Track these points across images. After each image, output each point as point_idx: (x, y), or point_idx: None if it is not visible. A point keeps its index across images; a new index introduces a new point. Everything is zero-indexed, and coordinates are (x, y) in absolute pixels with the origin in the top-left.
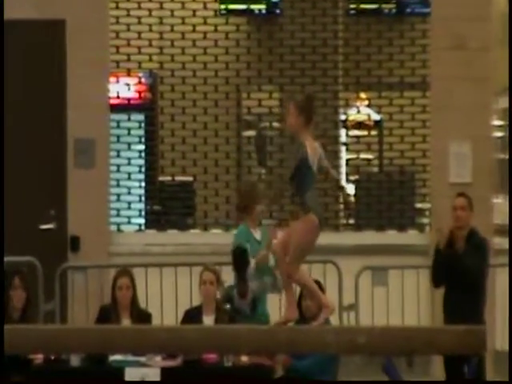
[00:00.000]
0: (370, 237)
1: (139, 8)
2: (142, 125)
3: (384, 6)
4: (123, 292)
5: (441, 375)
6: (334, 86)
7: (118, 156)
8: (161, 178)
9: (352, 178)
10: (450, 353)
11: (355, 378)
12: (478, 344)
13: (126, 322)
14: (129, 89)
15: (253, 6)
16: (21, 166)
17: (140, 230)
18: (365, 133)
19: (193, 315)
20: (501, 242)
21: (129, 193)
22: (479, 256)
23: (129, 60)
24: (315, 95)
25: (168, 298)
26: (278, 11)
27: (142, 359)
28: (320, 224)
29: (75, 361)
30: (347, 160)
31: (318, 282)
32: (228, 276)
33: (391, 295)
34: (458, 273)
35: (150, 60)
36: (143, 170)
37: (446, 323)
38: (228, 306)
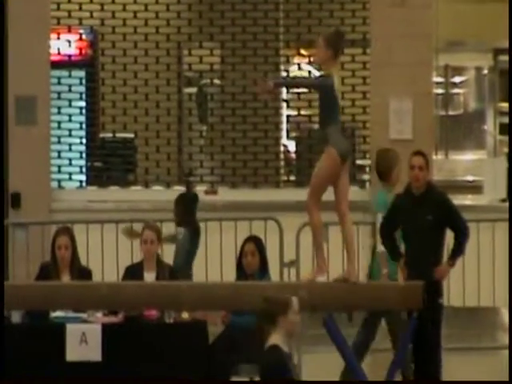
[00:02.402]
0: None
1: None
2: (83, 81)
3: None
4: (62, 251)
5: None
6: (275, 43)
7: (59, 113)
8: (102, 135)
9: (293, 134)
10: (390, 308)
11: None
12: (417, 299)
13: (66, 279)
14: (70, 45)
15: None
16: None
17: (81, 186)
18: (305, 89)
19: (134, 272)
20: None
21: (70, 149)
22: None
23: (70, 16)
24: (345, 32)
25: (109, 254)
26: None
27: (83, 316)
28: (343, 159)
29: (16, 317)
30: (288, 117)
31: (259, 240)
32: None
33: (332, 251)
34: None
35: (91, 16)
36: (84, 126)
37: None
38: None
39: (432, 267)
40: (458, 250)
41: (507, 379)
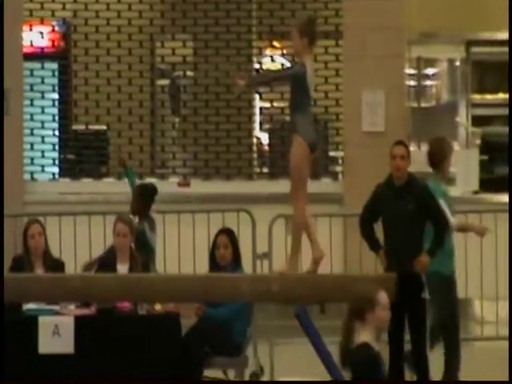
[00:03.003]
0: (283, 185)
1: None
2: (56, 73)
3: None
4: (36, 239)
5: None
6: (248, 35)
7: (32, 105)
8: (74, 127)
9: (266, 126)
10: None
11: (270, 325)
12: (389, 291)
13: (39, 271)
14: (42, 37)
15: None
16: None
17: (54, 178)
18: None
19: (107, 263)
20: None
21: (42, 141)
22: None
23: (42, 8)
24: (316, 17)
25: (82, 246)
26: None
27: (56, 308)
28: (310, 147)
29: None
30: (261, 108)
31: (231, 232)
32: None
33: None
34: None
35: (64, 8)
36: (57, 118)
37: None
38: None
39: (412, 258)
40: (438, 241)
41: (479, 371)
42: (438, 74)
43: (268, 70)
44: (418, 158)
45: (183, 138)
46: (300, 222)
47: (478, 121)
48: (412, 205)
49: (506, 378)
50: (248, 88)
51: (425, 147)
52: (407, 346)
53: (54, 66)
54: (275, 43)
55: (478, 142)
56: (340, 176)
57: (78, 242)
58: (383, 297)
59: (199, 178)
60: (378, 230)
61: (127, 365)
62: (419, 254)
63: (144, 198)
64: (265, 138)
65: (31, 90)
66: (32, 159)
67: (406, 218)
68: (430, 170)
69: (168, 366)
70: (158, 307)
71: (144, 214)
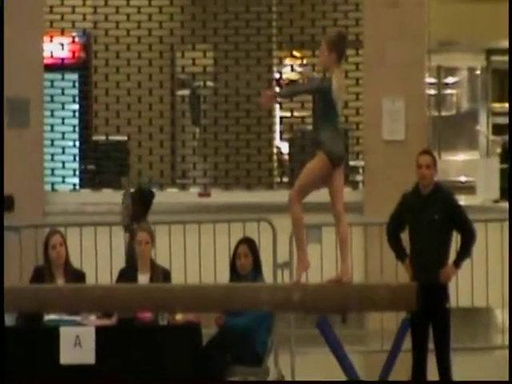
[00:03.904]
0: None
1: None
2: (76, 84)
3: None
4: (57, 250)
5: (374, 329)
6: (268, 45)
7: (52, 116)
8: (95, 138)
9: (286, 136)
10: (383, 309)
11: (290, 334)
12: (410, 301)
13: (60, 281)
14: (63, 48)
15: None
16: None
17: (74, 189)
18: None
19: (128, 274)
20: None
21: (63, 152)
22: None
23: (63, 19)
24: (347, 34)
25: (102, 257)
26: None
27: (77, 318)
28: (336, 163)
29: (9, 320)
30: (281, 118)
31: (252, 241)
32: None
33: (325, 252)
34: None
35: (84, 19)
36: (77, 129)
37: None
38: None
39: (438, 268)
40: (465, 252)
41: (501, 379)
42: (458, 83)
43: (293, 83)
44: (439, 166)
45: (203, 147)
46: (300, 221)
47: (498, 129)
48: (438, 214)
49: None
50: (275, 103)
51: (445, 156)
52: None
53: (75, 76)
54: (295, 53)
55: (499, 150)
56: (360, 185)
57: (98, 253)
58: None
59: (220, 187)
60: (405, 238)
61: (148, 375)
62: (445, 263)
63: (142, 203)
64: (285, 147)
65: (52, 100)
66: (53, 170)
67: (432, 228)
68: (449, 178)
69: (189, 376)
70: (178, 317)
71: (143, 220)
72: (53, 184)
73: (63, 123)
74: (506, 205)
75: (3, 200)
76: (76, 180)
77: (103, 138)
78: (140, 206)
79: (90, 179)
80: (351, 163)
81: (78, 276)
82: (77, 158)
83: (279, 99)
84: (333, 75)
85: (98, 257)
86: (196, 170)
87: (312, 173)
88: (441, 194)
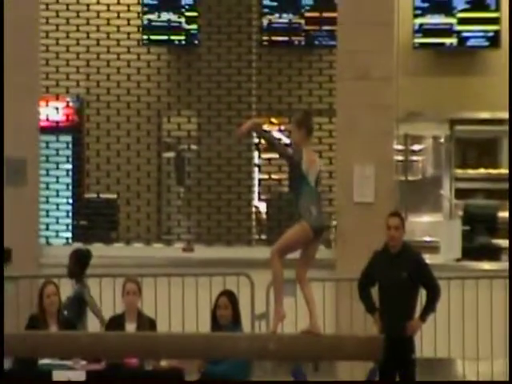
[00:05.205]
0: None
1: (67, 37)
2: (70, 145)
3: (294, 38)
4: (51, 299)
5: (344, 377)
6: (248, 112)
7: (48, 174)
8: (87, 195)
9: (264, 196)
10: (352, 359)
11: (266, 380)
12: (377, 351)
13: (53, 328)
14: (57, 112)
15: (173, 37)
16: None
17: (67, 243)
18: (276, 155)
19: (116, 322)
20: None
21: (57, 209)
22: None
23: (57, 85)
24: (312, 111)
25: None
26: (196, 42)
27: (69, 363)
28: (315, 231)
29: (6, 363)
30: (259, 180)
31: (231, 294)
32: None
33: (299, 305)
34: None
35: (78, 85)
36: (70, 187)
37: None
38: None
39: (405, 322)
40: (430, 307)
41: None
42: (424, 150)
43: (274, 135)
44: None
45: (187, 206)
46: (280, 277)
47: (460, 194)
48: (406, 272)
49: None
50: (249, 134)
51: (411, 218)
52: None
53: (68, 138)
54: (273, 120)
55: (461, 213)
56: (332, 244)
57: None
58: None
59: (202, 243)
60: (374, 293)
61: None
62: (412, 317)
63: (80, 262)
64: (263, 207)
65: (47, 161)
66: (47, 225)
67: (400, 284)
68: (414, 238)
69: None
70: (163, 363)
71: (80, 277)
72: (47, 238)
73: (57, 182)
74: (467, 263)
75: (3, 252)
76: (69, 234)
77: (94, 195)
78: (77, 264)
79: (81, 234)
80: None
81: (69, 324)
82: (70, 214)
83: (256, 133)
84: (303, 149)
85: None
86: (180, 227)
87: (294, 238)
88: (408, 253)
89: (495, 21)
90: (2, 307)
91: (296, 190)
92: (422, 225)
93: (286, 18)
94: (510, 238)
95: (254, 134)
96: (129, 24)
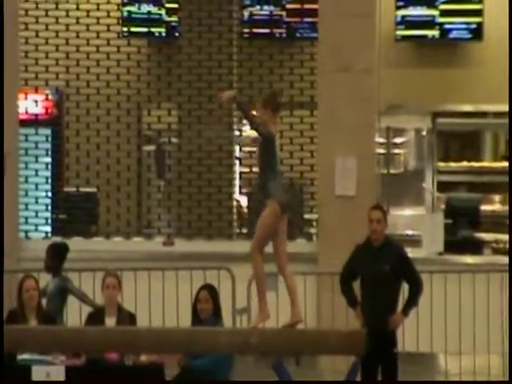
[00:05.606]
0: None
1: (47, 29)
2: (49, 139)
3: (275, 30)
4: (30, 293)
5: (326, 370)
6: (229, 104)
7: (27, 168)
8: (66, 189)
9: (245, 190)
10: (334, 353)
11: (248, 375)
12: (359, 345)
13: (33, 323)
14: (36, 105)
15: (153, 29)
16: None
17: (47, 237)
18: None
19: (96, 317)
20: None
21: (36, 202)
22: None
23: (37, 78)
24: (279, 91)
25: (72, 300)
26: (176, 34)
27: (48, 358)
28: (283, 210)
29: None
30: (240, 173)
31: (212, 288)
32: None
33: (281, 299)
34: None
35: (57, 78)
36: (50, 181)
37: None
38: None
39: (387, 316)
40: (412, 301)
41: None
42: (406, 143)
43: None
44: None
45: (168, 200)
46: (262, 274)
47: (442, 187)
48: (388, 265)
49: None
50: (230, 103)
51: (393, 211)
52: None
53: (48, 131)
54: (254, 112)
55: (443, 206)
56: (314, 237)
57: (68, 296)
58: None
59: (183, 237)
60: (356, 287)
61: None
62: (394, 311)
63: (57, 256)
64: (244, 200)
65: (26, 154)
66: (26, 219)
67: (381, 278)
68: (396, 232)
69: None
70: (143, 358)
71: (57, 271)
72: (26, 232)
73: (37, 175)
74: (449, 257)
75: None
76: (48, 228)
77: (74, 189)
78: (55, 258)
79: (61, 228)
80: (306, 216)
81: (49, 319)
82: (49, 208)
83: (235, 102)
84: (271, 128)
85: (68, 301)
86: (160, 221)
87: (267, 222)
88: (390, 246)
89: (478, 13)
90: (2, 307)
91: (267, 169)
92: (404, 218)
93: (267, 9)
94: (510, 232)
95: (234, 106)
96: (109, 16)
